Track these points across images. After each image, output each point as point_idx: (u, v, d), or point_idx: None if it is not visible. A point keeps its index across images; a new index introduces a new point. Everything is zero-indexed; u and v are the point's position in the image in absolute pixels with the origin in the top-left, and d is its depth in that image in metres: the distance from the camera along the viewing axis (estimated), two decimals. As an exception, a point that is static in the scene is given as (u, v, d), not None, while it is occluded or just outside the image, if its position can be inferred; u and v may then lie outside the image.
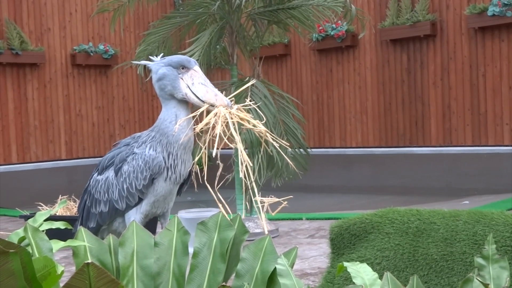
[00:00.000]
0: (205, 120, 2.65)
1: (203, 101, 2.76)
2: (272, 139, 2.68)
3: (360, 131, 9.70)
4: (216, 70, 6.94)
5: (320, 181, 9.46)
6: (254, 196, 2.53)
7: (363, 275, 1.76)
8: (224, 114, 2.64)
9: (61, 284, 1.42)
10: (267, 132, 2.68)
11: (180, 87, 2.82)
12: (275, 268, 1.72)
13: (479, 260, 1.78)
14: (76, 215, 5.76)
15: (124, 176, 2.94)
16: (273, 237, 5.45)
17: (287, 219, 6.37)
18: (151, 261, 1.84)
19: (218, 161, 2.58)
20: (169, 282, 1.82)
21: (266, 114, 5.29)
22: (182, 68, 2.84)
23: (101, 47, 10.38)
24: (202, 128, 2.66)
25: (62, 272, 1.52)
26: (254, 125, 2.67)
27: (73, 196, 6.04)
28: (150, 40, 5.82)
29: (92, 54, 10.31)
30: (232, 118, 2.63)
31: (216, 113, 2.66)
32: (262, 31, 6.01)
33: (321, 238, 5.35)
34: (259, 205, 2.54)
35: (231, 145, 2.63)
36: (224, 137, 2.59)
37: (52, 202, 6.02)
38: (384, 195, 8.58)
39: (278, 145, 2.70)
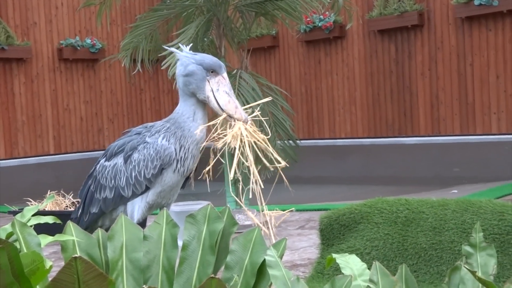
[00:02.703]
0: (225, 138, 2.69)
1: (223, 110, 2.79)
2: (271, 154, 2.73)
3: (349, 122, 9.71)
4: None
5: (310, 172, 9.48)
6: (262, 204, 2.59)
7: (352, 266, 1.77)
8: (241, 138, 2.67)
9: (50, 279, 1.41)
10: (269, 150, 2.72)
11: (204, 89, 2.83)
12: (265, 259, 1.72)
13: (466, 248, 1.79)
14: (65, 210, 5.76)
15: (133, 164, 2.95)
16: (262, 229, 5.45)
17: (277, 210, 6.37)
18: (140, 255, 1.84)
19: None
20: (159, 275, 1.82)
21: (254, 106, 5.28)
22: (212, 72, 2.85)
23: (88, 41, 10.32)
24: (220, 145, 2.70)
25: (51, 266, 1.52)
26: (261, 141, 2.71)
27: (61, 191, 6.02)
28: (136, 32, 5.79)
29: (79, 48, 10.25)
30: (247, 137, 2.67)
31: (236, 132, 2.69)
32: (249, 23, 6.00)
33: (311, 229, 5.36)
34: (268, 218, 2.61)
35: (246, 164, 2.67)
36: (241, 156, 2.62)
37: (40, 197, 5.99)
38: (374, 185, 8.60)
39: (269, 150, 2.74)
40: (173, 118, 2.93)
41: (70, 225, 1.88)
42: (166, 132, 2.92)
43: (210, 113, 3.04)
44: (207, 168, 2.76)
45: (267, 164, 2.71)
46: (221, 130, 2.76)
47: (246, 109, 2.89)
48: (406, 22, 8.84)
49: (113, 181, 3.01)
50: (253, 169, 2.63)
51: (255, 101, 5.38)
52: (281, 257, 1.74)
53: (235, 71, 5.75)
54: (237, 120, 2.75)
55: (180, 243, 1.86)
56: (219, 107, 2.80)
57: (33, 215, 2.22)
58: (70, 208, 5.81)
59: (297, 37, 9.92)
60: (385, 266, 3.25)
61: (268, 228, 2.51)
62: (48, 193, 5.79)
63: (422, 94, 8.95)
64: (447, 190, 7.45)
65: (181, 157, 2.91)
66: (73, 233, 1.84)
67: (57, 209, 5.72)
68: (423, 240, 3.46)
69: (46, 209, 5.57)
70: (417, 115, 9.03)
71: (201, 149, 2.94)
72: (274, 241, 2.34)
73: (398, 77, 9.17)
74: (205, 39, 5.92)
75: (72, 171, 9.81)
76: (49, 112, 10.11)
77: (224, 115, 2.79)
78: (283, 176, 2.78)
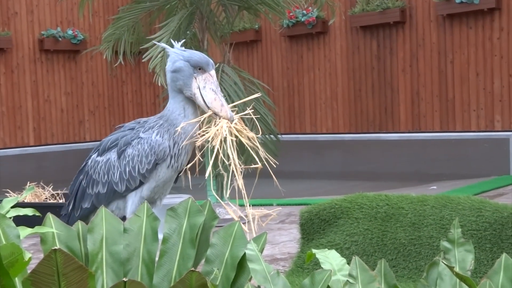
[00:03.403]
0: (206, 136, 2.69)
1: (208, 107, 2.79)
2: (260, 151, 2.73)
3: (331, 117, 9.75)
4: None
5: (291, 167, 9.49)
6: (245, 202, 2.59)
7: (331, 261, 1.79)
8: (224, 136, 2.67)
9: (29, 271, 1.40)
10: (259, 148, 2.72)
11: (191, 86, 2.83)
12: (245, 253, 1.73)
13: (445, 244, 1.81)
14: (45, 201, 5.72)
15: (127, 159, 2.96)
16: (244, 223, 5.46)
17: (258, 205, 6.39)
18: (121, 247, 1.83)
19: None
20: (139, 268, 1.82)
21: (236, 100, 5.28)
22: (199, 69, 2.84)
23: (70, 32, 10.23)
24: (202, 141, 2.70)
25: (30, 259, 1.51)
26: (249, 139, 2.71)
27: (41, 183, 5.97)
28: (118, 24, 5.76)
29: (60, 39, 10.16)
30: (232, 136, 2.67)
31: (218, 130, 2.69)
32: (232, 17, 5.99)
33: (292, 224, 5.38)
34: (250, 218, 2.61)
35: (226, 162, 2.67)
36: (220, 153, 2.63)
37: (20, 189, 5.94)
38: (354, 181, 8.65)
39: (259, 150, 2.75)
40: (165, 115, 2.93)
41: (50, 217, 1.87)
42: (160, 128, 2.92)
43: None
44: (189, 165, 2.76)
45: (259, 162, 2.71)
46: (206, 128, 2.77)
47: (233, 107, 2.88)
48: (388, 19, 8.88)
49: (106, 176, 3.00)
50: (233, 168, 2.64)
51: (237, 95, 5.38)
52: (261, 251, 1.74)
53: (217, 65, 5.74)
54: (223, 118, 2.75)
55: (160, 236, 1.86)
56: (205, 105, 2.80)
57: (12, 207, 2.20)
58: (49, 200, 5.78)
59: (279, 32, 9.92)
60: (365, 261, 3.28)
61: (245, 223, 2.52)
62: (28, 184, 5.75)
63: (403, 90, 9.01)
64: (426, 186, 7.51)
65: (175, 153, 2.92)
66: (52, 225, 1.83)
67: (37, 201, 5.68)
68: (402, 235, 3.49)
69: (26, 201, 5.53)
70: (398, 111, 9.08)
71: (194, 144, 2.92)
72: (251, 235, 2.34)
73: (379, 73, 9.21)
74: (188, 32, 5.90)
75: (52, 163, 9.74)
76: (29, 104, 10.02)
77: (210, 112, 2.78)
78: (272, 174, 2.78)
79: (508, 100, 8.19)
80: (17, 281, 1.57)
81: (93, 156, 3.09)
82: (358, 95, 9.45)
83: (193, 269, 1.42)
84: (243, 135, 2.73)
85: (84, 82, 10.68)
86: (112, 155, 3.01)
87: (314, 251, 1.80)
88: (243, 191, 2.64)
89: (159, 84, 5.33)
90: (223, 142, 2.66)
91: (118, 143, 3.00)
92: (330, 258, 1.79)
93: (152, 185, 2.99)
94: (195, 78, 2.84)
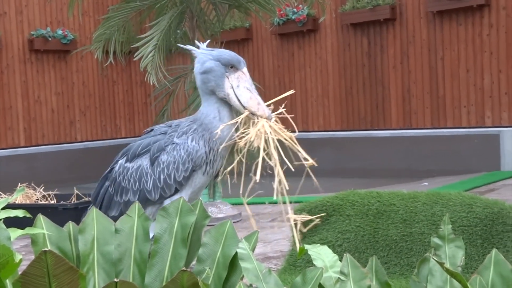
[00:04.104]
0: (248, 137, 2.58)
1: (244, 107, 2.66)
2: (297, 150, 2.68)
3: (322, 114, 9.76)
4: (177, 55, 6.90)
5: (282, 164, 9.49)
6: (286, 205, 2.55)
7: (323, 258, 1.79)
8: (265, 135, 2.59)
9: (20, 273, 1.40)
10: (297, 148, 2.67)
11: (224, 86, 2.71)
12: (237, 252, 1.73)
13: (435, 240, 1.82)
14: (36, 203, 5.70)
15: (162, 166, 2.80)
16: (236, 222, 5.47)
17: (250, 203, 6.37)
18: (112, 248, 1.83)
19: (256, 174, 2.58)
20: (131, 268, 1.82)
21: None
22: (231, 67, 2.74)
23: (60, 32, 10.19)
24: (242, 144, 2.61)
25: (21, 260, 1.50)
26: (286, 139, 2.64)
27: (32, 184, 5.95)
28: (109, 23, 5.74)
29: (50, 39, 10.12)
30: (272, 134, 2.58)
31: (259, 130, 2.60)
32: (223, 16, 5.98)
33: (284, 222, 5.38)
34: (292, 223, 2.55)
35: (270, 163, 2.61)
36: (263, 154, 2.55)
37: (11, 190, 5.92)
38: (346, 178, 8.66)
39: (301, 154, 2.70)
40: (199, 119, 2.78)
41: (41, 218, 1.86)
42: (194, 134, 2.77)
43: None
44: (228, 168, 2.67)
45: (288, 162, 2.64)
46: (244, 129, 2.66)
47: (269, 105, 2.79)
48: (378, 16, 8.90)
49: (137, 184, 2.83)
50: (278, 169, 2.58)
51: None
52: (253, 249, 1.75)
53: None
54: (260, 117, 2.63)
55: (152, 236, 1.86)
56: (240, 105, 2.66)
57: (3, 208, 2.19)
58: (40, 201, 5.75)
59: (270, 30, 9.92)
60: (357, 258, 3.29)
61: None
62: (19, 185, 5.72)
63: (394, 87, 9.03)
64: (418, 183, 7.54)
65: (210, 160, 2.78)
66: (43, 226, 1.83)
67: (28, 202, 5.66)
68: (394, 232, 3.50)
69: (17, 202, 5.51)
70: (389, 108, 9.10)
71: (229, 148, 2.78)
72: (298, 246, 2.25)
73: (370, 70, 9.23)
74: (178, 31, 5.89)
75: (43, 164, 9.71)
76: (20, 104, 9.98)
77: (247, 112, 2.64)
78: (311, 173, 2.72)
79: (498, 96, 8.23)
80: (8, 283, 1.56)
81: (120, 161, 2.92)
82: (349, 93, 9.46)
83: (184, 268, 1.42)
84: (281, 134, 2.64)
85: (74, 82, 10.65)
86: (144, 161, 2.84)
87: (306, 246, 1.81)
88: (285, 190, 2.59)
89: (151, 83, 5.32)
90: (264, 143, 2.57)
91: (150, 148, 2.83)
92: (322, 255, 1.79)
93: (189, 192, 2.84)
94: (227, 78, 2.71)
